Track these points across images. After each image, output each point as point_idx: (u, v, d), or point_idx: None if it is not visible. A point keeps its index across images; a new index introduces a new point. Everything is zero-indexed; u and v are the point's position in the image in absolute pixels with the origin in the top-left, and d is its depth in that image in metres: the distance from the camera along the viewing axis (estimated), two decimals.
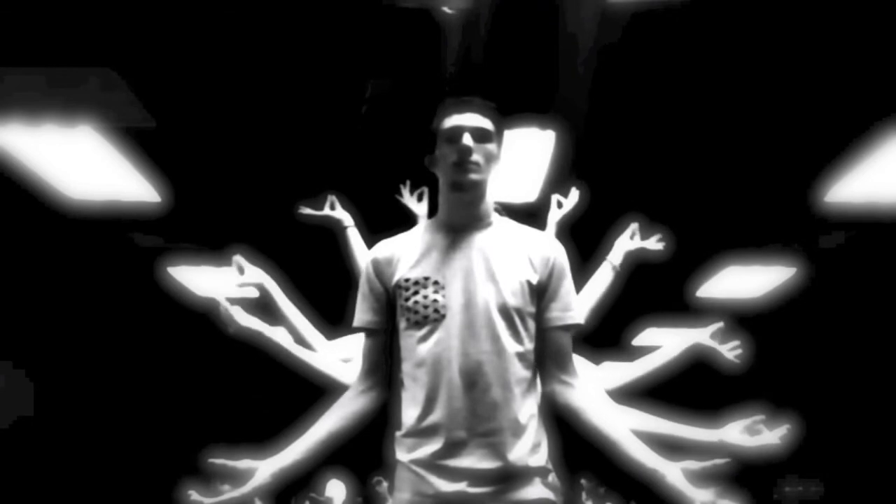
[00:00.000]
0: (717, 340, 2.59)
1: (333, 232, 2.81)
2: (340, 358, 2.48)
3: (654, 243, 2.77)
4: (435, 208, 1.84)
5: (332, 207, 2.82)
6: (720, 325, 2.59)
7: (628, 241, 2.74)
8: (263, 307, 2.53)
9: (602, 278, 2.65)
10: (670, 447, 2.05)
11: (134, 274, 6.49)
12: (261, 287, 2.49)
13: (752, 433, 2.31)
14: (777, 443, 2.27)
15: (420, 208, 2.90)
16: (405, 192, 2.95)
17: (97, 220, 5.17)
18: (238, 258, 2.51)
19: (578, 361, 2.37)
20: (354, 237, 2.75)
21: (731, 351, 2.56)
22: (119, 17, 3.25)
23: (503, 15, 3.30)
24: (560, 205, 2.84)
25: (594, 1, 3.22)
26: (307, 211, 2.85)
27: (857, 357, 7.49)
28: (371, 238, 2.76)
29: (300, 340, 2.50)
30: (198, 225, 5.50)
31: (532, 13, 3.33)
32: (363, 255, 2.64)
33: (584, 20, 3.32)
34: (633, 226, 2.77)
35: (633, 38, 3.44)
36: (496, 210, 1.84)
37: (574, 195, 2.85)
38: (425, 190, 2.90)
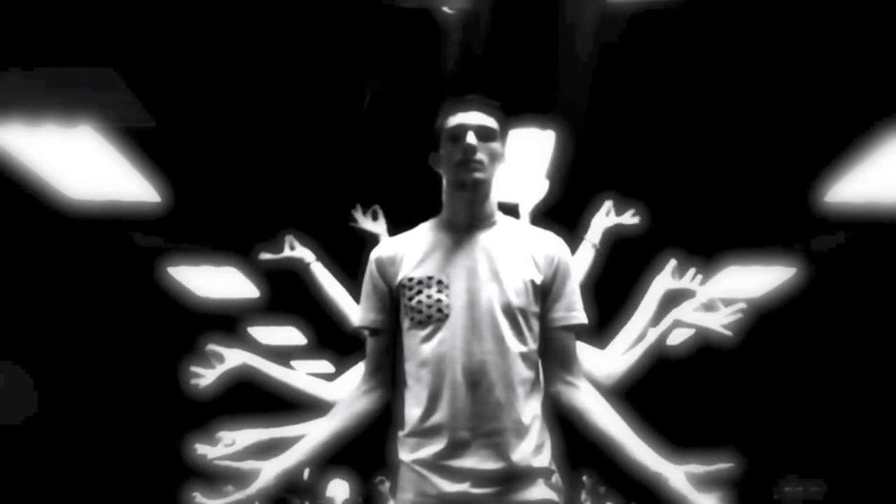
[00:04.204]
0: (676, 278, 2.59)
1: (297, 272, 2.80)
2: None
3: (630, 218, 2.77)
4: (435, 209, 1.83)
5: (292, 247, 2.80)
6: (673, 263, 2.59)
7: (604, 219, 2.74)
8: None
9: (583, 258, 2.64)
10: None
11: (134, 274, 6.49)
12: (306, 266, 2.63)
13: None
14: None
15: (378, 227, 2.87)
16: (358, 216, 2.90)
17: (97, 220, 5.17)
18: (290, 237, 2.66)
19: (583, 349, 2.38)
20: (320, 272, 2.74)
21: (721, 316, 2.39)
22: (120, 17, 3.25)
23: (503, 15, 3.30)
24: (608, 213, 2.79)
25: (594, 1, 3.22)
26: (266, 256, 2.82)
27: (857, 357, 7.49)
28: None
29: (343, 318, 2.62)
30: (198, 225, 5.50)
31: (532, 13, 3.33)
32: (332, 286, 2.68)
33: (584, 20, 3.32)
34: (608, 203, 2.77)
35: (633, 38, 3.44)
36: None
37: (629, 214, 2.81)
38: (377, 207, 2.89)
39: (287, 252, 2.79)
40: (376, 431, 1.90)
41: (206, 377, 2.52)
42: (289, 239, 2.80)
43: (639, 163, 4.71)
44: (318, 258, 2.73)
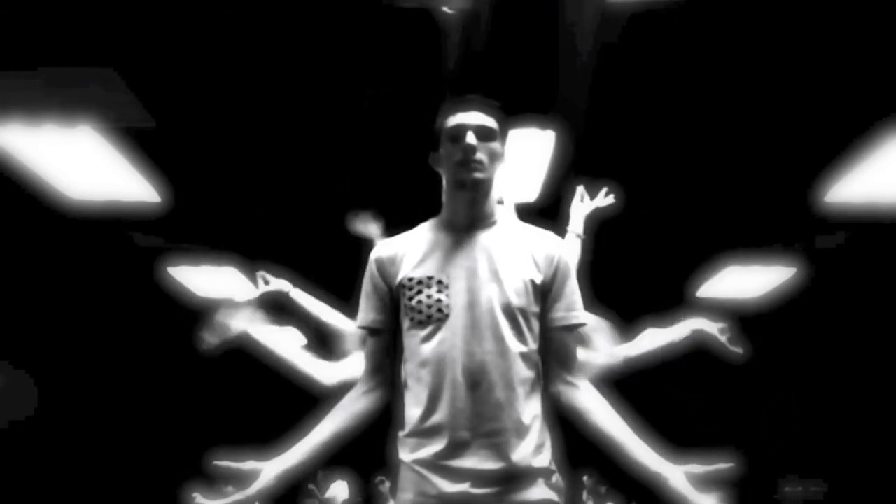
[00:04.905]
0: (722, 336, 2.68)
1: (281, 303, 2.86)
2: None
3: (604, 199, 2.77)
4: (435, 209, 1.83)
5: (266, 282, 2.87)
6: (724, 325, 2.65)
7: (581, 206, 2.73)
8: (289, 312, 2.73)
9: (571, 249, 2.65)
10: None
11: (134, 274, 6.49)
12: (286, 295, 2.70)
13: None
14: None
15: (373, 230, 2.90)
16: (354, 219, 2.94)
17: (97, 220, 5.17)
18: (262, 273, 2.74)
19: (602, 330, 2.43)
20: (300, 296, 2.83)
21: (730, 344, 2.65)
22: (120, 18, 3.25)
23: (503, 15, 3.30)
24: (583, 199, 2.79)
25: (594, 1, 3.22)
26: (262, 281, 2.89)
27: (857, 357, 7.50)
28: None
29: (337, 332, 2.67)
30: (198, 225, 5.51)
31: (532, 13, 3.33)
32: (316, 305, 2.77)
33: (584, 20, 3.33)
34: (580, 189, 2.76)
35: (633, 38, 3.45)
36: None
37: (603, 195, 2.81)
38: (374, 213, 2.93)
39: (263, 288, 2.85)
40: (376, 431, 1.90)
41: (212, 339, 2.58)
42: (261, 275, 2.89)
43: (639, 163, 4.71)
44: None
